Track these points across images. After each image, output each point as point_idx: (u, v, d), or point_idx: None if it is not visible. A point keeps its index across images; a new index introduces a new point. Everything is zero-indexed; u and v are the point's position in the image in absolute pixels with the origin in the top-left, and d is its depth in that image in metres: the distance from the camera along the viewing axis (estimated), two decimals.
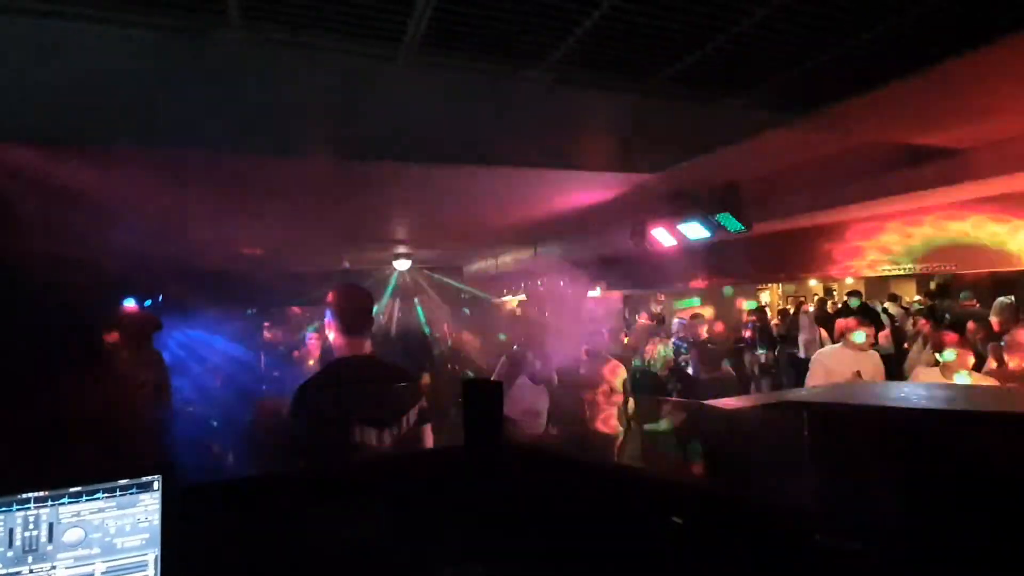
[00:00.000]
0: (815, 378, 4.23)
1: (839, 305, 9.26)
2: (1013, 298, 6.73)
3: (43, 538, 1.17)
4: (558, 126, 2.91)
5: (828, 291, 11.69)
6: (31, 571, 1.15)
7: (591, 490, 1.59)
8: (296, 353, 6.59)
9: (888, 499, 1.07)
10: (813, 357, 4.59)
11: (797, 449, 1.25)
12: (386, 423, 2.09)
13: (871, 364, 4.19)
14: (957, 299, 7.42)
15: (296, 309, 9.95)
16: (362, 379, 2.14)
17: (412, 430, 2.16)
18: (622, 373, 4.58)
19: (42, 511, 1.17)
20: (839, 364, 4.14)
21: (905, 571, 1.01)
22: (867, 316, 5.39)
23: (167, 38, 1.77)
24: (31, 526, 1.16)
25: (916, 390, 2.67)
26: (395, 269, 10.16)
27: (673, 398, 5.24)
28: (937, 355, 3.80)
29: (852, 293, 8.32)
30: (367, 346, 2.22)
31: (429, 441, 2.21)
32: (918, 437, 1.10)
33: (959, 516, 0.98)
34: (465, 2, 1.60)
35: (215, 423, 4.32)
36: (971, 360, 3.58)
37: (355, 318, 2.20)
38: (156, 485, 1.26)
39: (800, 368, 6.73)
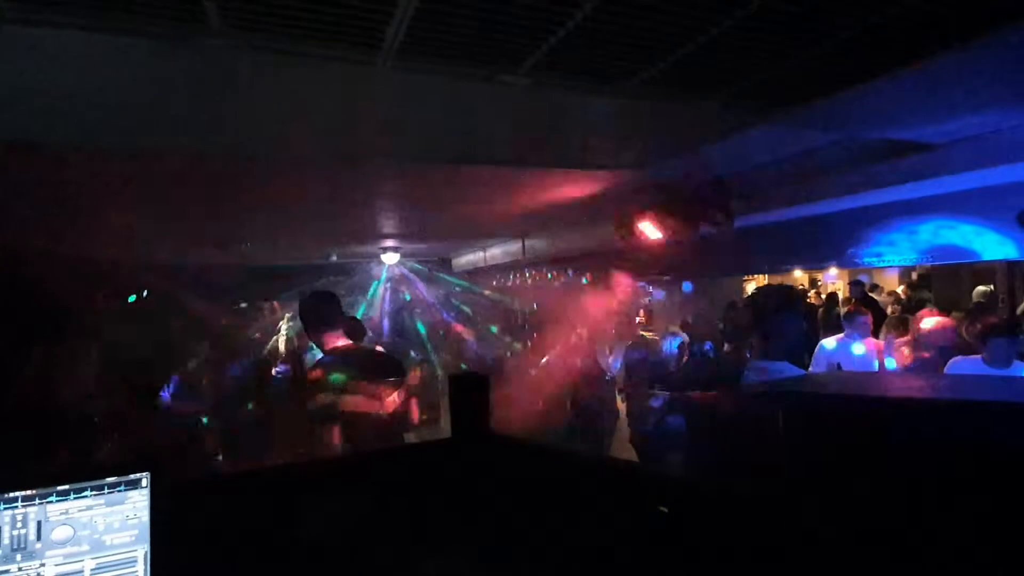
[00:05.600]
0: (818, 368, 4.34)
1: (822, 297, 9.37)
2: (993, 287, 6.88)
3: (31, 536, 1.18)
4: (539, 126, 2.96)
5: (813, 283, 11.83)
6: (20, 569, 1.16)
7: (578, 481, 1.62)
8: None
9: (864, 486, 1.10)
10: (816, 347, 4.67)
11: (775, 438, 1.29)
12: None
13: (870, 353, 4.33)
14: (931, 291, 7.59)
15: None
16: None
17: None
18: None
19: (30, 509, 1.18)
20: (837, 353, 4.27)
21: (880, 556, 1.05)
22: (868, 306, 5.48)
23: (151, 44, 1.78)
24: (19, 524, 1.17)
25: (896, 380, 2.72)
26: (383, 262, 10.14)
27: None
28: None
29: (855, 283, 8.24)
30: None
31: None
32: (891, 426, 1.13)
33: (933, 503, 1.02)
34: (442, 11, 1.62)
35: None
36: None
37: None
38: (144, 482, 1.27)
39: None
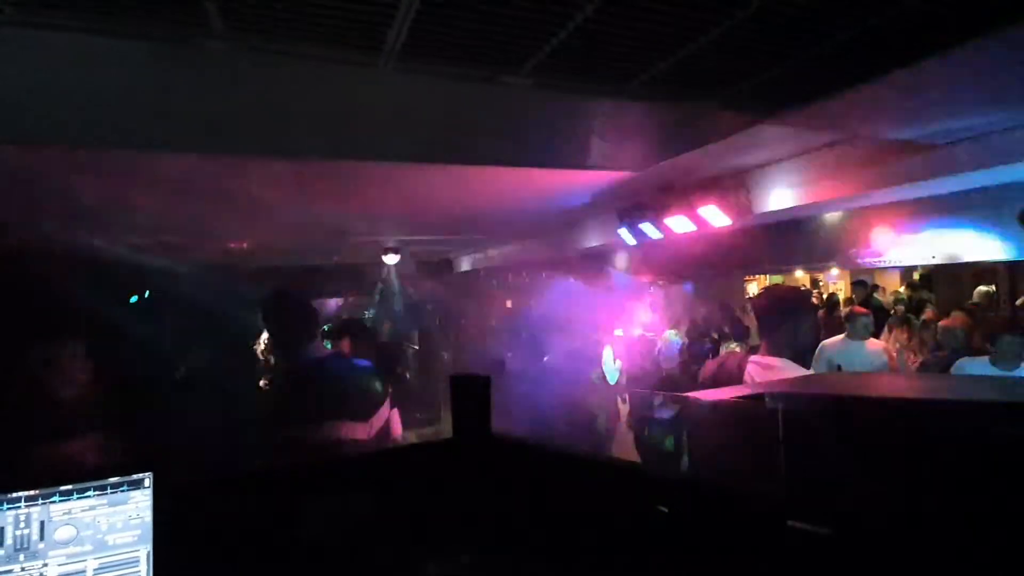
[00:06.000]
0: (819, 368, 4.32)
1: (823, 296, 9.38)
2: (994, 287, 6.88)
3: (35, 536, 1.18)
4: (539, 127, 2.96)
5: (815, 282, 11.82)
6: (23, 569, 1.17)
7: (578, 481, 1.63)
8: None
9: (858, 486, 1.11)
10: (818, 348, 4.66)
11: (771, 439, 1.29)
12: None
13: (872, 355, 4.31)
14: (931, 291, 7.56)
15: None
16: None
17: None
18: None
19: (33, 509, 1.19)
20: (839, 354, 4.26)
21: (880, 556, 1.05)
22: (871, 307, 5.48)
23: (155, 47, 1.79)
24: (22, 524, 1.18)
25: (884, 380, 2.73)
26: (385, 263, 10.14)
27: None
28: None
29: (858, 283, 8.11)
30: None
31: None
32: (886, 426, 1.14)
33: (926, 501, 1.02)
34: (443, 13, 1.62)
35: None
36: None
37: None
38: (147, 482, 1.27)
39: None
